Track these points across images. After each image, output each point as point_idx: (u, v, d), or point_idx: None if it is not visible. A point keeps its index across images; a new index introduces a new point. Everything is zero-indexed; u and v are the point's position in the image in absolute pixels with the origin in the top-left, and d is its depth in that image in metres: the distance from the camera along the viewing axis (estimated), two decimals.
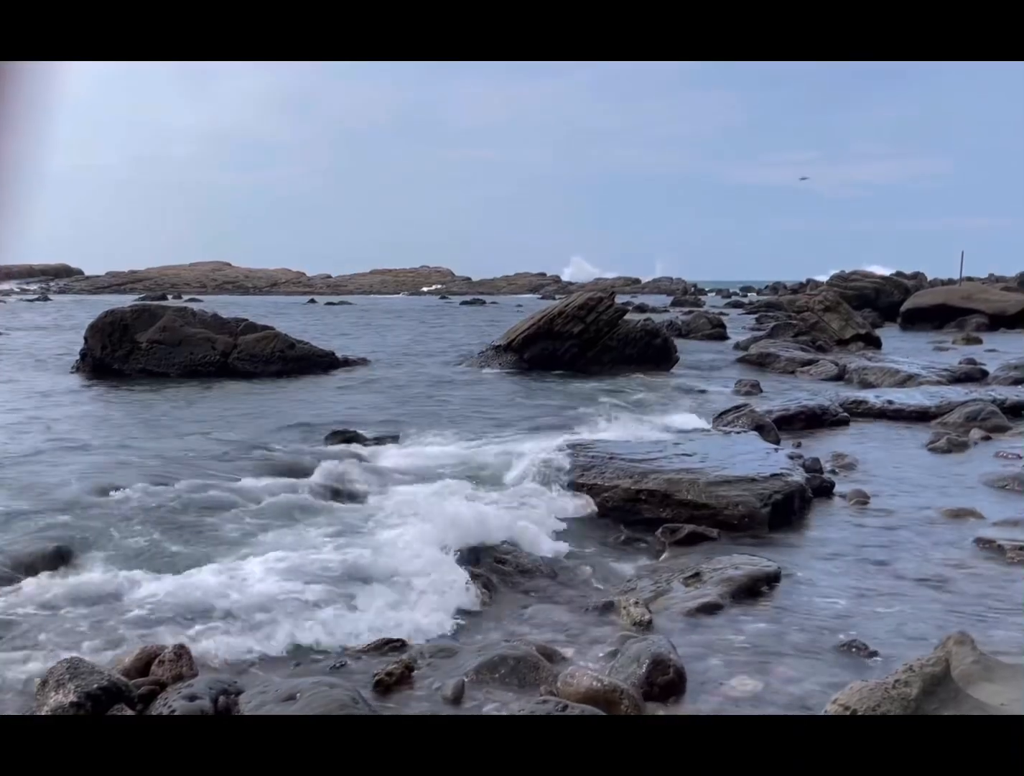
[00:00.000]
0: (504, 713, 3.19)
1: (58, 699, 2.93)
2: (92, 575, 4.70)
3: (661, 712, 3.28)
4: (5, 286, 64.57)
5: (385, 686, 3.44)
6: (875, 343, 19.58)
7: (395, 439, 8.40)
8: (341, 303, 50.50)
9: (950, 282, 37.15)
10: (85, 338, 15.01)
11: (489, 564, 4.79)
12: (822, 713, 2.94)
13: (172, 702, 3.05)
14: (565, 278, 79.40)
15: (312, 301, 53.06)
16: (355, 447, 8.01)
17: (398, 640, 3.90)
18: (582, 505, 5.95)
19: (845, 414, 9.68)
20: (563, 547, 5.28)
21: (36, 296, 54.79)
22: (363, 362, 15.68)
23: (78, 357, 15.17)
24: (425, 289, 79.04)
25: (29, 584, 4.53)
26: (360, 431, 8.54)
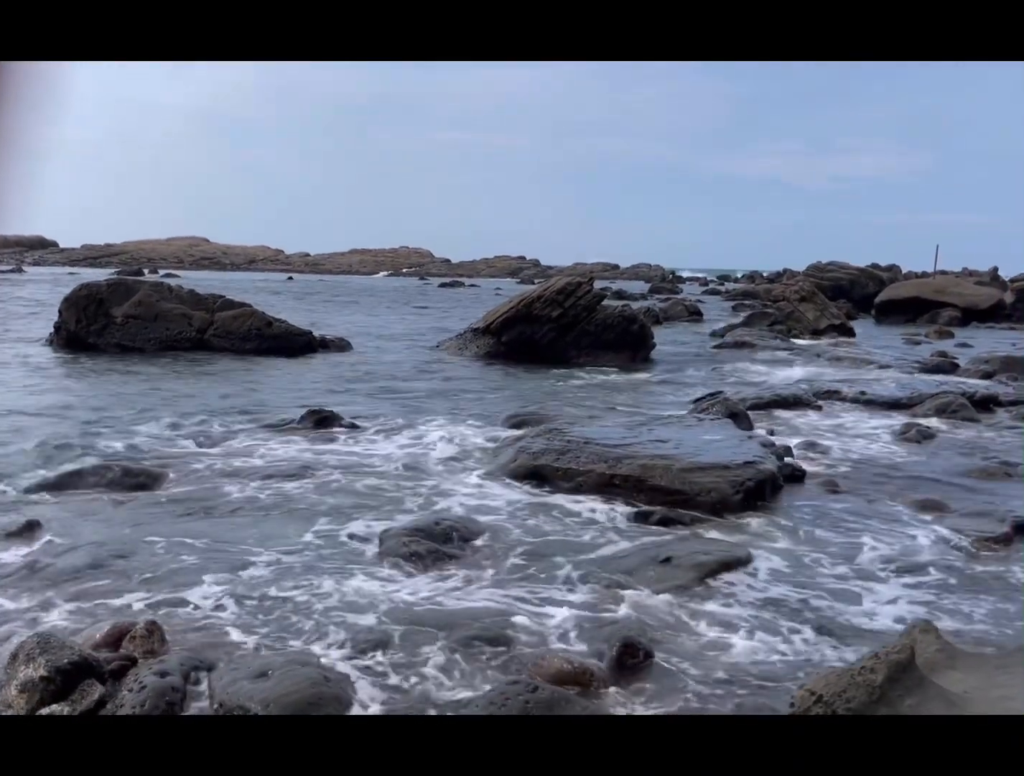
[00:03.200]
0: (475, 694, 3.22)
1: (28, 673, 2.92)
2: (64, 549, 4.67)
3: (630, 694, 3.31)
4: None
5: (358, 663, 3.45)
6: (849, 333, 19.78)
7: (370, 421, 8.38)
8: (319, 281, 50.24)
9: (924, 275, 37.50)
10: (59, 311, 14.82)
11: (462, 544, 4.81)
12: (789, 699, 2.99)
13: (143, 678, 3.05)
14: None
15: (290, 279, 52.77)
16: (333, 430, 7.99)
17: (370, 617, 3.91)
18: (556, 488, 5.98)
19: (818, 403, 9.78)
20: (537, 528, 5.30)
21: (10, 268, 53.97)
22: (340, 342, 15.60)
23: (52, 330, 14.99)
24: (404, 270, 78.70)
25: None
26: (336, 412, 8.50)
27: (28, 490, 5.72)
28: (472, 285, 51.21)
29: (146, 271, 49.65)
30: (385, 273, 76.13)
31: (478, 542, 4.90)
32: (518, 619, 3.94)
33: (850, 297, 30.22)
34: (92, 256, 73.40)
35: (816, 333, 19.35)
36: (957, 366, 13.77)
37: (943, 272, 37.77)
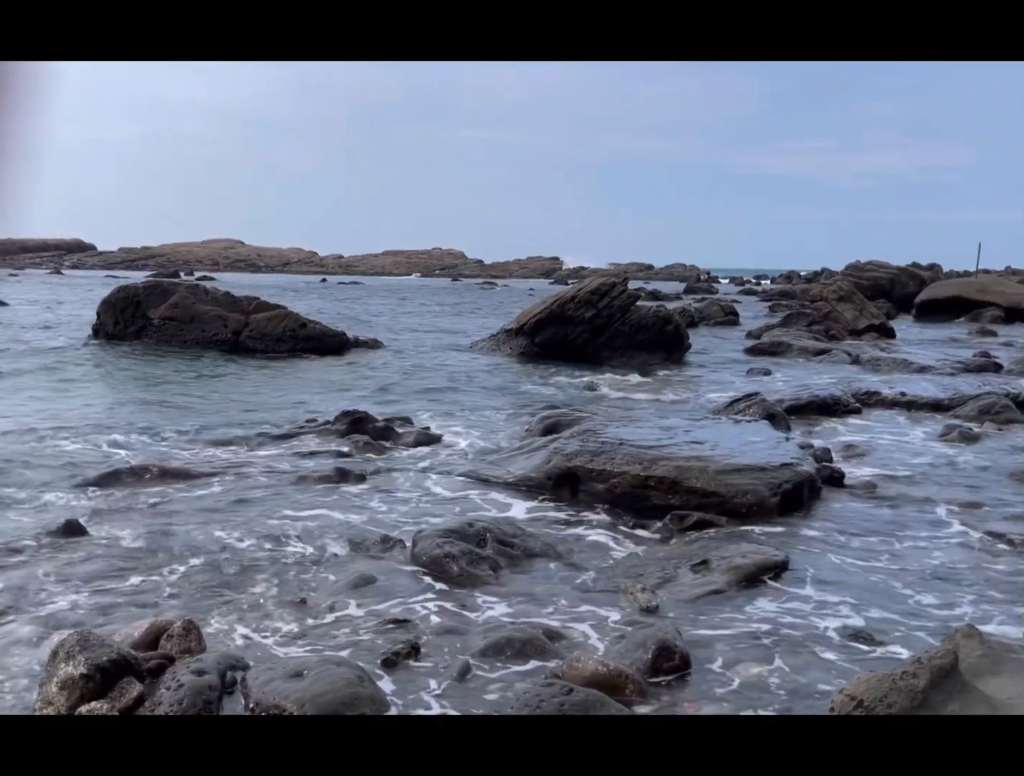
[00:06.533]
0: (509, 695, 3.20)
1: (68, 671, 2.95)
2: (102, 548, 4.73)
3: (665, 697, 3.28)
4: (18, 260, 64.85)
5: (391, 664, 3.45)
6: (889, 334, 19.48)
7: (403, 422, 8.39)
8: (353, 283, 50.59)
9: (966, 274, 36.89)
10: (97, 313, 15.08)
11: (496, 546, 4.79)
12: (828, 703, 2.94)
13: (180, 676, 3.07)
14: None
15: (324, 281, 53.16)
16: (366, 431, 8.01)
17: (404, 619, 3.91)
18: (590, 489, 5.94)
19: (857, 404, 9.63)
20: (570, 531, 5.28)
21: (50, 270, 54.99)
22: (374, 343, 15.68)
23: (90, 332, 15.23)
24: (437, 271, 78.97)
25: (39, 557, 4.57)
26: (370, 413, 8.53)
27: (67, 491, 5.80)
28: (505, 286, 51.21)
29: (182, 273, 50.22)
30: (419, 274, 76.47)
31: (512, 544, 4.88)
32: (552, 622, 3.93)
33: (890, 297, 29.80)
34: (129, 259, 74.57)
35: (855, 333, 19.09)
36: (1000, 367, 13.50)
37: (986, 271, 37.12)
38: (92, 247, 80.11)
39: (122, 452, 7.01)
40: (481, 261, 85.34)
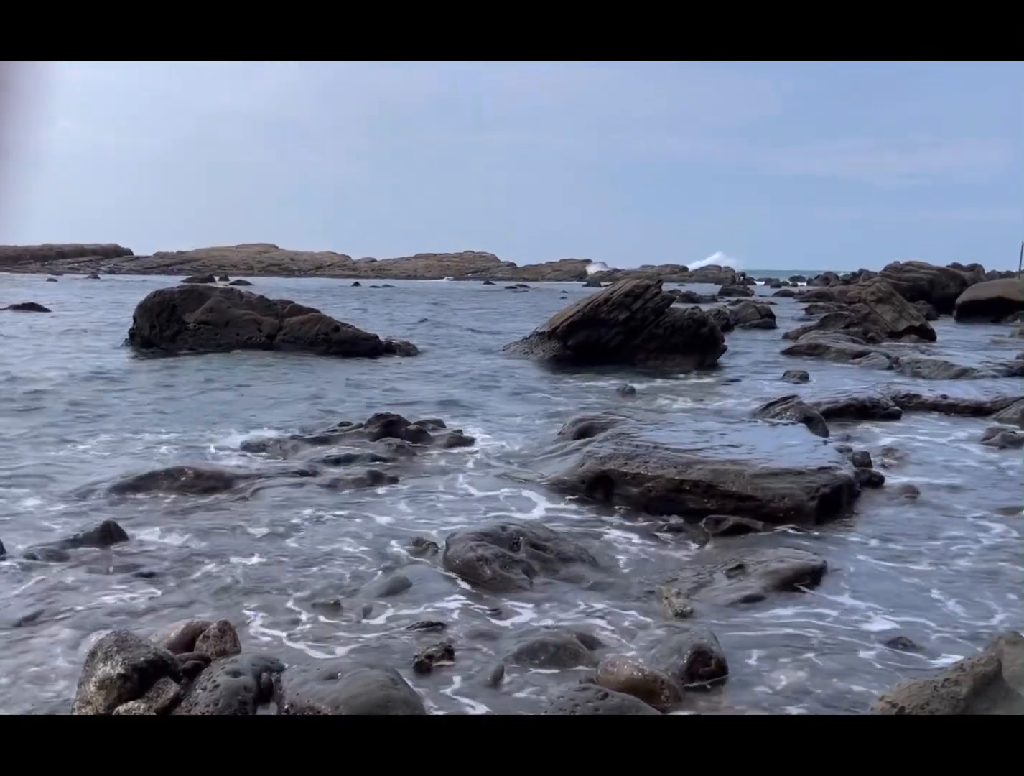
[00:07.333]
0: (544, 698, 3.18)
1: (106, 671, 2.98)
2: (139, 551, 4.78)
3: (701, 703, 3.25)
4: (56, 265, 66.06)
5: (425, 668, 3.45)
6: (929, 335, 19.17)
7: (435, 425, 8.40)
8: (385, 286, 50.88)
9: (1008, 275, 36.26)
10: (134, 318, 15.29)
11: (529, 550, 4.77)
12: (868, 709, 2.89)
13: (216, 677, 3.09)
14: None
15: (356, 284, 53.55)
16: (399, 434, 8.02)
17: (437, 623, 3.90)
18: (623, 493, 5.90)
19: (896, 407, 9.48)
20: (604, 535, 5.25)
21: (87, 275, 55.99)
22: (407, 346, 15.74)
23: (126, 337, 15.44)
24: (469, 274, 79.20)
25: (78, 559, 4.62)
26: (402, 416, 8.55)
27: (104, 494, 5.87)
28: (537, 289, 51.21)
29: (216, 278, 50.79)
30: (451, 277, 76.74)
31: (545, 548, 4.86)
32: (585, 626, 3.90)
33: (930, 298, 29.38)
34: (165, 263, 75.67)
35: (894, 335, 18.83)
36: None
37: None
38: (128, 252, 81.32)
39: (158, 454, 7.09)
40: (513, 264, 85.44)
